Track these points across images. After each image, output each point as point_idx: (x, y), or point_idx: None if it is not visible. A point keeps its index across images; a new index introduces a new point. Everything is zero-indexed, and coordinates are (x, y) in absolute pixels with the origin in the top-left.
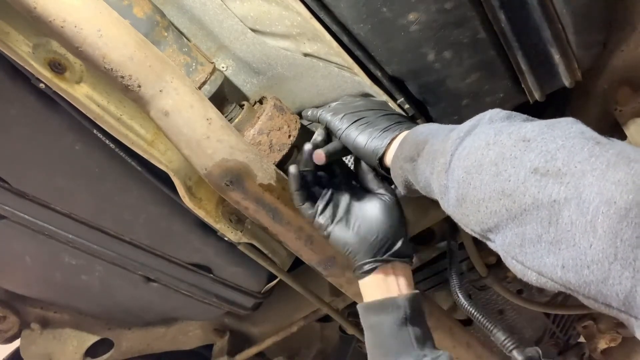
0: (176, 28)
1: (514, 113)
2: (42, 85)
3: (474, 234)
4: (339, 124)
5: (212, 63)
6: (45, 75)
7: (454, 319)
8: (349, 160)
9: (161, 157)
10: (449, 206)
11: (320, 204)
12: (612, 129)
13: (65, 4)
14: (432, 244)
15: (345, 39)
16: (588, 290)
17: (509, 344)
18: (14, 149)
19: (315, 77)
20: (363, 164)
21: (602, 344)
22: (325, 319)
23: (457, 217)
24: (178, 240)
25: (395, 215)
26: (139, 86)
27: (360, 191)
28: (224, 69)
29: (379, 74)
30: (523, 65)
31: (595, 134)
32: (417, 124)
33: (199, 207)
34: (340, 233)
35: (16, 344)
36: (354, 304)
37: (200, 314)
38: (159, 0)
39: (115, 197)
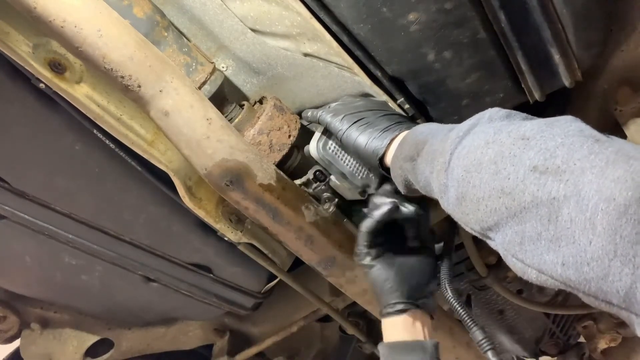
0: (176, 28)
1: (513, 112)
2: (42, 85)
3: (474, 233)
4: (340, 125)
5: (212, 63)
6: (45, 75)
7: (454, 319)
8: (349, 160)
9: (161, 157)
10: (448, 205)
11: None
12: (612, 129)
13: (65, 4)
14: None
15: (345, 39)
16: (588, 288)
17: (485, 345)
18: (14, 149)
19: (315, 77)
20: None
21: (602, 344)
22: (325, 319)
23: (457, 216)
24: (178, 240)
25: (433, 270)
26: (139, 86)
27: (403, 238)
28: (224, 69)
29: (379, 74)
30: (523, 65)
31: (594, 132)
32: (417, 124)
33: (199, 207)
34: (384, 269)
35: (16, 344)
36: (354, 304)
37: (200, 314)
38: (159, 0)
39: (115, 197)
